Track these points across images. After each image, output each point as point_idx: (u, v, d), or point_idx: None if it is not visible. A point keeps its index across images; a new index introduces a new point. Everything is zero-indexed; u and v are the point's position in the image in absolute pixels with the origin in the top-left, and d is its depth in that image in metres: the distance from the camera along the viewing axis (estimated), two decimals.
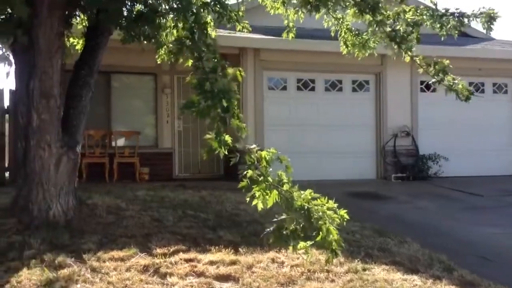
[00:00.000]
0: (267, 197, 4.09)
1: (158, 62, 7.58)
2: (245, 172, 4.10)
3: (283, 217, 3.87)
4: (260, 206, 4.14)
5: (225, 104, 3.99)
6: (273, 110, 10.28)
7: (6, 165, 9.55)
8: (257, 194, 4.01)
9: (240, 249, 4.72)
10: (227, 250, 4.67)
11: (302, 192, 3.93)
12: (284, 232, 3.82)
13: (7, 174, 9.66)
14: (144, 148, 10.69)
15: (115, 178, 10.07)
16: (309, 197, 3.82)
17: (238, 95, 4.32)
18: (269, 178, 4.12)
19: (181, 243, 4.84)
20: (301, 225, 3.76)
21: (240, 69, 4.34)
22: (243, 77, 4.95)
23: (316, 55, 10.30)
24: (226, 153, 4.31)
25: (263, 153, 4.14)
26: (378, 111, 10.86)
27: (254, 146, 4.35)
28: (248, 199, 4.21)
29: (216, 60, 4.22)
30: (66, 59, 6.65)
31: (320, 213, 3.70)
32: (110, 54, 10.68)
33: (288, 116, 10.40)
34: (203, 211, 6.23)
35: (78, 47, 6.35)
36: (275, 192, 4.08)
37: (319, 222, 3.66)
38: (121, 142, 10.76)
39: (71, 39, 6.30)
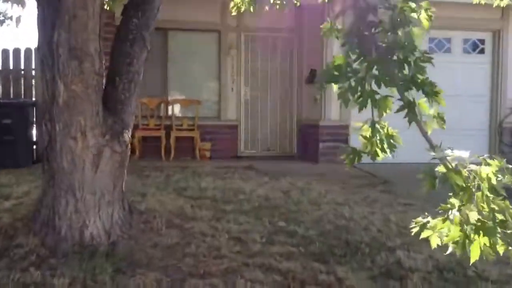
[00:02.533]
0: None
1: (233, 13, 5.62)
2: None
3: None
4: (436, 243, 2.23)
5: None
6: None
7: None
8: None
9: None
10: None
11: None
12: None
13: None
14: (204, 119, 8.84)
15: (172, 155, 8.31)
16: None
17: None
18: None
19: None
20: None
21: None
22: None
23: None
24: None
25: None
26: (494, 78, 8.50)
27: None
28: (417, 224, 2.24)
29: None
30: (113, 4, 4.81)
31: None
32: (167, 6, 8.80)
33: None
34: (297, 220, 4.32)
35: None
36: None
37: None
38: (179, 112, 8.95)
39: None
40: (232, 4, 5.74)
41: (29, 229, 3.47)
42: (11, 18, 5.53)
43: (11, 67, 8.28)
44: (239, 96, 8.98)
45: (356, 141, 7.14)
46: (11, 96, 8.30)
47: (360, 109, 2.37)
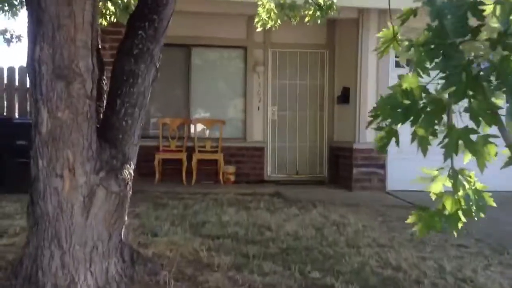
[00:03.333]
0: None
1: (258, 29, 4.98)
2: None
3: None
4: None
5: None
6: None
7: None
8: None
9: None
10: None
11: None
12: None
13: None
14: (229, 141, 8.20)
15: (193, 179, 7.67)
16: None
17: None
18: None
19: None
20: None
21: None
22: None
23: None
24: None
25: None
26: None
27: None
28: None
29: None
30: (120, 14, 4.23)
31: None
32: (190, 22, 8.29)
33: None
34: (334, 270, 3.56)
35: None
36: None
37: None
38: (201, 133, 8.33)
39: None
40: (256, 19, 5.10)
41: (10, 283, 2.83)
42: (19, 38, 5.04)
43: (27, 85, 7.84)
44: (266, 116, 8.30)
45: (395, 167, 6.30)
46: (28, 115, 7.84)
47: (447, 158, 1.64)
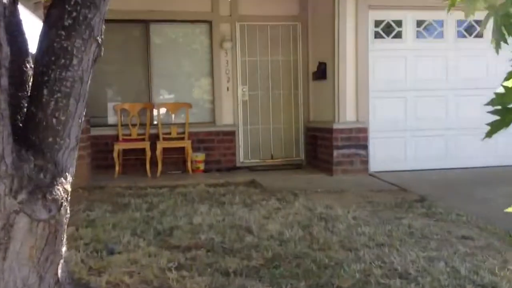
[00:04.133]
0: None
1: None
2: None
3: None
4: None
5: None
6: (381, 69, 6.72)
7: None
8: None
9: None
10: None
11: None
12: None
13: None
14: (197, 125, 7.43)
15: (159, 170, 6.88)
16: None
17: None
18: None
19: None
20: None
21: None
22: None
23: None
24: None
25: None
26: None
27: None
28: None
29: None
30: None
31: None
32: None
33: (403, 77, 6.81)
34: (333, 285, 2.92)
35: None
36: None
37: None
38: (166, 118, 7.52)
39: None
40: None
41: None
42: None
43: None
44: (236, 97, 7.54)
45: (378, 146, 5.66)
46: None
47: None
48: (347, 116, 6.54)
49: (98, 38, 2.30)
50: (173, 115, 7.42)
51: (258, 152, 7.65)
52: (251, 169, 7.34)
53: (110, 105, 7.43)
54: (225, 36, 7.43)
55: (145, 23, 7.26)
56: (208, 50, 7.50)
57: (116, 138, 7.09)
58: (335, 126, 6.49)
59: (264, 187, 5.85)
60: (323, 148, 6.87)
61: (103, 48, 2.38)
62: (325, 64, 6.95)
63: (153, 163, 6.87)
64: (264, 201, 5.05)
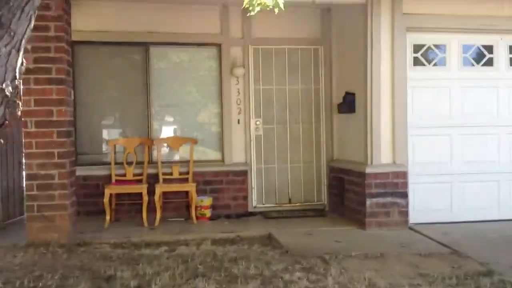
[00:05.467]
0: None
1: (251, 13, 3.15)
2: None
3: None
4: None
5: None
6: (421, 101, 5.60)
7: None
8: None
9: None
10: None
11: None
12: None
13: None
14: (203, 164, 6.31)
15: (157, 219, 5.75)
16: None
17: None
18: None
19: None
20: None
21: None
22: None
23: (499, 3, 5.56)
24: None
25: None
26: None
27: None
28: None
29: None
30: None
31: None
32: (148, 14, 6.32)
33: (447, 111, 5.68)
34: None
35: None
36: None
37: None
38: (167, 155, 6.42)
39: None
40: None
41: None
42: None
43: None
44: (249, 131, 6.43)
45: (418, 194, 4.37)
46: None
47: None
48: (382, 157, 5.41)
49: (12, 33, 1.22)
50: (175, 152, 6.33)
51: (274, 195, 6.50)
52: (265, 215, 6.19)
53: (101, 141, 6.36)
54: (237, 61, 6.37)
55: (144, 46, 6.21)
56: (217, 77, 6.44)
57: (109, 179, 6.00)
58: (368, 170, 5.35)
59: (284, 247, 4.69)
60: (352, 194, 5.72)
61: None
62: (353, 94, 5.85)
63: (152, 208, 5.75)
64: (287, 274, 3.88)
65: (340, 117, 6.27)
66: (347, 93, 5.98)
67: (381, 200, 5.35)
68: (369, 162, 5.41)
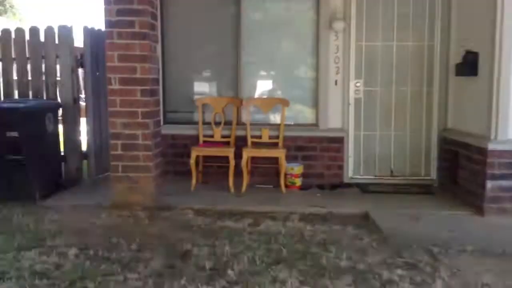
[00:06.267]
0: None
1: None
2: None
3: None
4: None
5: None
6: None
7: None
8: None
9: None
10: None
11: None
12: None
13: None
14: (294, 129, 5.75)
15: (244, 184, 5.34)
16: None
17: None
18: None
19: None
20: None
21: None
22: None
23: None
24: None
25: None
26: None
27: None
28: None
29: None
30: None
31: None
32: None
33: None
34: None
35: None
36: None
37: None
38: (256, 117, 5.92)
39: None
40: None
41: None
42: None
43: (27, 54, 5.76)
44: (347, 94, 5.70)
45: None
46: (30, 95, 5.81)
47: None
48: (510, 131, 4.43)
49: None
50: (265, 114, 5.82)
51: (373, 166, 5.78)
52: (362, 188, 5.52)
53: (191, 97, 6.01)
54: (336, 13, 5.58)
55: None
56: (313, 32, 5.72)
57: (196, 139, 5.68)
58: (491, 146, 4.41)
59: (383, 232, 4.03)
60: (469, 172, 4.83)
61: None
62: (476, 54, 4.83)
63: (239, 172, 5.35)
64: (385, 269, 3.26)
65: (457, 80, 5.28)
66: (468, 52, 4.96)
67: (505, 183, 4.42)
68: (492, 136, 4.46)
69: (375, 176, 5.75)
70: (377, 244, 3.77)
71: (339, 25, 5.54)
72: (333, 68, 5.66)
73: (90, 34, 5.68)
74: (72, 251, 3.51)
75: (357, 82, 5.67)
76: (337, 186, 5.62)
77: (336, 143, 5.73)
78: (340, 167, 5.75)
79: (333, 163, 5.74)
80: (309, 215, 4.52)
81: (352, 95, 5.68)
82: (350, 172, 5.77)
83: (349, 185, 5.66)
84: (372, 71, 5.66)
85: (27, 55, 5.72)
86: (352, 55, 5.63)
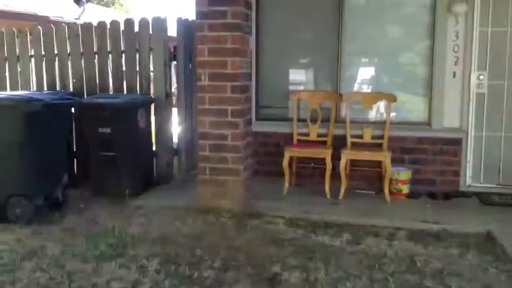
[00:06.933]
0: None
1: None
2: None
3: None
4: None
5: None
6: None
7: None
8: None
9: None
10: None
11: None
12: None
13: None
14: (402, 127, 5.04)
15: (342, 189, 4.78)
16: None
17: None
18: None
19: None
20: None
21: None
22: None
23: None
24: None
25: None
26: None
27: None
28: None
29: None
30: None
31: None
32: None
33: None
34: None
35: None
36: None
37: None
38: (357, 114, 5.28)
39: None
40: None
41: None
42: None
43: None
44: (468, 88, 4.86)
45: None
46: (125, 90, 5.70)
47: None
48: None
49: None
50: (368, 111, 5.18)
51: (497, 173, 4.90)
52: (482, 198, 4.69)
53: (285, 92, 5.54)
54: None
55: None
56: (429, 16, 4.93)
57: (289, 138, 5.21)
58: None
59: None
60: None
61: None
62: None
63: (336, 174, 4.80)
64: None
65: None
66: None
67: None
68: None
69: (499, 184, 4.88)
70: (507, 277, 3.04)
71: (460, 8, 4.71)
72: (451, 58, 4.85)
73: (184, 25, 5.42)
74: (153, 265, 3.23)
75: (480, 75, 4.81)
76: (452, 195, 4.83)
77: (452, 145, 4.93)
78: (456, 173, 4.95)
79: (447, 168, 4.95)
80: (419, 233, 3.86)
81: (473, 89, 4.83)
82: (468, 180, 4.94)
83: (466, 195, 4.85)
84: (498, 62, 4.76)
85: (122, 48, 5.60)
86: (475, 43, 4.77)
